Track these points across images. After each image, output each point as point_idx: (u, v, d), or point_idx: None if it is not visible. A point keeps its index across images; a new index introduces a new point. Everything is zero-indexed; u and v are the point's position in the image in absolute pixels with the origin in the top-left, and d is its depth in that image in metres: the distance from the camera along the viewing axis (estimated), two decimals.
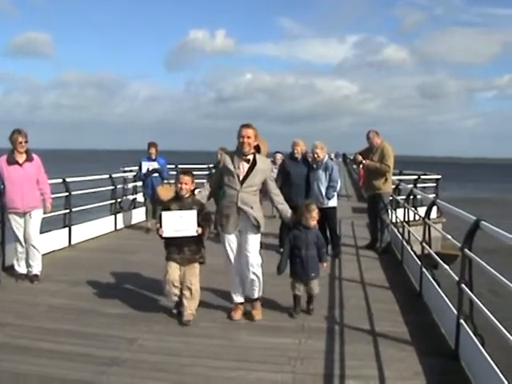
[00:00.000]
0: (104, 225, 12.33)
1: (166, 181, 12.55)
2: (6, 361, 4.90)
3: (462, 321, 5.18)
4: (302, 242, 6.33)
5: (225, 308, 6.58)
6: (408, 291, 7.65)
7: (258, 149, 6.37)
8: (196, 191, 6.47)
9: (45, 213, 8.06)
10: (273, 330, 5.93)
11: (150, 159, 12.53)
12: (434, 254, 7.21)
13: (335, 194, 9.94)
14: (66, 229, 10.55)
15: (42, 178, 7.90)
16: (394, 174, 17.67)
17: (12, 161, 7.58)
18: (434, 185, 18.97)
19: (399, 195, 13.59)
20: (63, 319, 6.10)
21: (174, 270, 6.04)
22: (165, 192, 11.24)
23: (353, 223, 14.04)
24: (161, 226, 5.96)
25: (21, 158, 7.61)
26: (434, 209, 13.92)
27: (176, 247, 6.06)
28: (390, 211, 11.30)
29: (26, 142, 7.58)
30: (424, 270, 7.29)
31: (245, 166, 6.06)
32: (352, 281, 8.09)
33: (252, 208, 6.04)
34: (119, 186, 13.61)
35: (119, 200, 13.45)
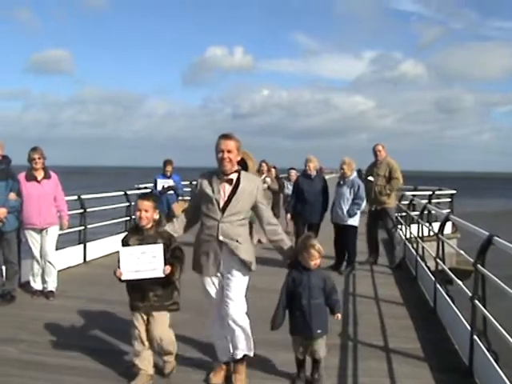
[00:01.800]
0: (119, 242, 12.35)
1: (181, 198, 12.62)
2: (20, 376, 4.95)
3: (475, 337, 5.16)
4: (303, 288, 4.74)
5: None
6: (422, 307, 7.63)
7: (243, 164, 5.52)
8: (167, 224, 5.10)
9: (61, 229, 8.16)
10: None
11: (165, 176, 12.60)
12: (448, 270, 7.19)
13: (358, 212, 9.79)
14: (81, 245, 10.63)
15: (59, 195, 8.02)
16: (409, 190, 17.69)
17: (30, 177, 7.72)
18: (449, 200, 18.90)
19: (413, 211, 13.55)
20: (78, 336, 6.14)
21: (140, 323, 4.84)
22: (180, 209, 11.29)
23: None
24: (119, 266, 4.69)
25: (39, 175, 7.75)
26: (449, 224, 13.86)
27: (139, 293, 4.79)
28: (396, 225, 11.25)
29: (39, 158, 7.69)
30: (438, 285, 7.27)
31: (226, 189, 4.74)
32: (366, 297, 8.08)
33: (238, 242, 4.71)
34: (134, 203, 13.67)
35: (134, 217, 13.50)
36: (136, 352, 4.87)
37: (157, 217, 4.85)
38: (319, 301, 4.76)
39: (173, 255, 4.77)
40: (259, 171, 13.04)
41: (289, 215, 10.65)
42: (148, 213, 4.78)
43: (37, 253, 7.86)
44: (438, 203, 18.02)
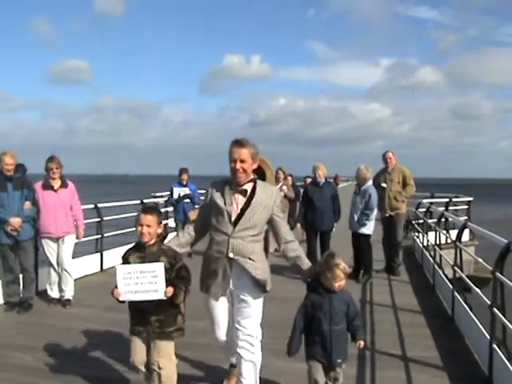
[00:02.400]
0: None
1: (197, 206, 12.63)
2: None
3: (494, 346, 5.10)
4: (323, 313, 4.21)
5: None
6: (440, 315, 7.56)
7: (260, 173, 5.08)
8: (169, 237, 4.80)
9: (77, 238, 8.20)
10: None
11: (181, 185, 12.62)
12: (466, 278, 7.12)
13: (368, 221, 9.74)
14: (98, 254, 10.67)
15: (76, 204, 8.08)
16: (426, 197, 17.59)
17: (47, 186, 7.79)
18: (466, 207, 18.79)
19: (430, 218, 13.46)
20: (95, 345, 6.14)
21: (139, 349, 4.42)
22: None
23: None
24: (116, 286, 4.24)
25: (56, 183, 7.81)
26: (466, 231, 13.75)
27: (140, 316, 4.35)
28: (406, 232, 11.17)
29: (57, 168, 7.75)
30: (456, 293, 7.20)
31: (239, 201, 4.28)
32: (383, 305, 8.01)
33: (251, 260, 4.25)
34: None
35: None
36: (136, 381, 4.59)
37: (160, 232, 4.40)
38: (341, 326, 4.26)
39: (177, 275, 4.28)
40: (276, 179, 13.03)
41: (298, 224, 10.61)
42: (151, 228, 4.29)
43: (53, 261, 7.91)
44: (456, 210, 17.92)
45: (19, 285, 7.60)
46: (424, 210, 13.95)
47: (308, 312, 4.25)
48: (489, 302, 5.27)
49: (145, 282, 4.18)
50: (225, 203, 4.26)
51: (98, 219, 10.74)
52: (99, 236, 10.75)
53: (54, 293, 8.00)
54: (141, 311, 4.31)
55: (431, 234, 11.51)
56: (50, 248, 7.88)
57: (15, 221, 7.23)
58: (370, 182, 10.01)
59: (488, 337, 5.23)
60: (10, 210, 7.27)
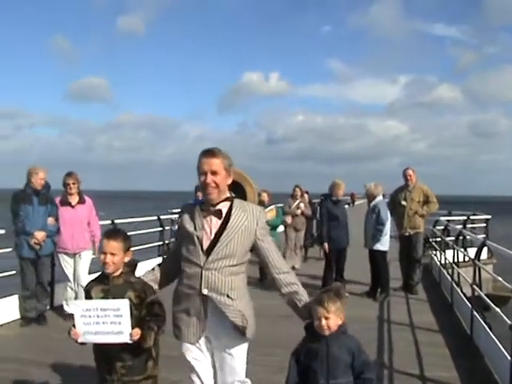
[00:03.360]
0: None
1: None
2: None
3: None
4: (319, 362, 3.33)
5: None
6: (458, 334, 7.46)
7: (238, 190, 4.20)
8: (145, 271, 3.94)
9: (94, 254, 8.23)
10: None
11: (197, 201, 12.62)
12: (485, 297, 7.04)
13: (381, 237, 9.67)
14: None
15: (93, 220, 8.14)
16: (443, 215, 17.48)
17: (65, 202, 7.89)
18: (484, 225, 18.64)
19: (448, 236, 13.36)
20: None
21: None
22: None
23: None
24: (74, 325, 3.57)
25: (73, 199, 7.91)
26: (485, 249, 13.64)
27: (105, 362, 3.71)
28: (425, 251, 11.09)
29: (73, 183, 7.83)
30: (475, 312, 7.11)
31: (213, 224, 3.51)
32: (401, 324, 7.92)
33: (229, 298, 3.46)
34: (167, 228, 13.73)
35: (167, 242, 13.56)
36: None
37: (128, 260, 3.77)
38: (343, 381, 3.29)
39: (149, 312, 3.65)
40: (293, 196, 12.97)
41: (326, 244, 10.08)
42: (115, 256, 3.64)
43: (70, 277, 7.95)
44: (473, 228, 17.77)
45: (37, 300, 7.64)
46: (441, 227, 13.86)
47: (301, 361, 3.41)
48: (509, 322, 5.20)
49: (107, 322, 3.52)
50: (195, 228, 3.52)
51: None
52: None
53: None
54: (105, 356, 3.67)
55: (449, 252, 11.42)
56: (66, 263, 7.93)
57: (40, 234, 7.33)
58: (379, 198, 9.96)
59: (508, 357, 5.15)
60: (35, 223, 7.37)
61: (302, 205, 12.84)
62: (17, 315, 7.75)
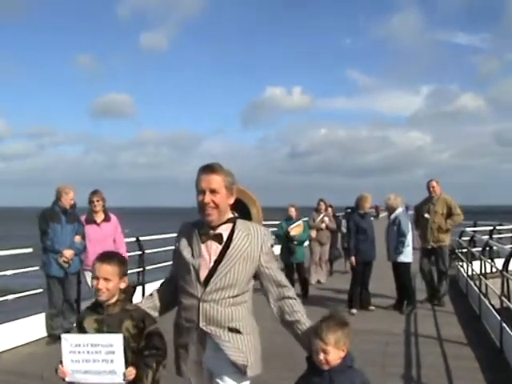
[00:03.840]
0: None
1: None
2: None
3: None
4: None
5: None
6: (488, 347, 7.35)
7: (242, 211, 3.73)
8: (144, 298, 3.54)
9: None
10: None
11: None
12: None
13: (404, 249, 9.63)
14: (140, 287, 10.72)
15: (119, 237, 8.22)
16: (469, 226, 17.30)
17: (90, 220, 7.98)
18: (511, 235, 18.41)
19: (474, 247, 13.22)
20: None
21: None
22: None
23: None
24: (61, 361, 3.16)
25: (98, 217, 8.01)
26: None
27: None
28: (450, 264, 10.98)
29: (98, 201, 7.93)
30: (504, 324, 7.01)
31: (212, 250, 3.13)
32: (428, 337, 7.83)
33: (231, 332, 3.11)
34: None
35: None
36: None
37: (125, 287, 3.33)
38: None
39: (148, 345, 3.23)
40: (318, 210, 12.95)
41: (353, 258, 10.02)
42: (109, 282, 3.21)
43: None
44: (500, 238, 17.54)
45: (63, 317, 7.69)
46: (467, 238, 13.72)
47: None
48: None
49: (98, 360, 3.10)
50: (192, 254, 3.15)
51: (140, 252, 10.81)
52: (141, 269, 10.81)
53: None
54: None
55: (476, 263, 11.29)
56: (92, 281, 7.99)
57: (69, 253, 7.45)
58: (400, 210, 9.98)
59: None
60: (63, 242, 7.48)
61: (326, 219, 12.82)
62: (43, 333, 7.82)
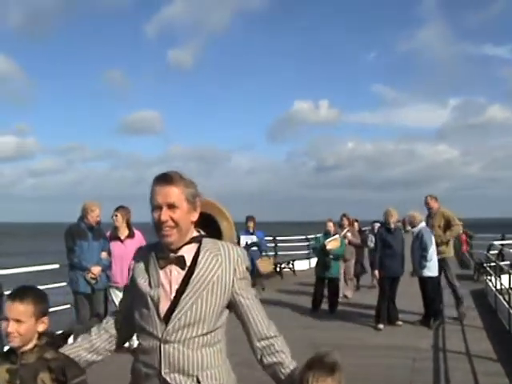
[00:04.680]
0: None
1: (264, 253, 12.63)
2: None
3: None
4: None
5: None
6: None
7: (210, 227, 2.78)
8: (80, 337, 2.81)
9: None
10: None
11: (248, 232, 12.67)
12: None
13: (427, 263, 9.59)
14: None
15: None
16: (497, 239, 17.08)
17: (114, 237, 8.00)
18: None
19: (503, 260, 13.04)
20: None
21: None
22: (265, 265, 11.32)
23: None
24: None
25: (122, 233, 8.02)
26: None
27: None
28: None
29: (116, 215, 7.96)
30: None
31: (173, 277, 2.46)
32: (457, 352, 7.71)
33: (196, 380, 2.41)
34: None
35: None
36: None
37: (43, 330, 2.61)
38: None
39: None
40: (341, 226, 12.87)
41: (376, 271, 10.12)
42: (22, 325, 2.50)
43: None
44: None
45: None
46: (495, 252, 13.55)
47: None
48: None
49: None
50: (149, 283, 2.48)
51: None
52: None
53: None
54: None
55: (504, 277, 11.12)
56: (117, 297, 8.03)
57: (97, 269, 7.51)
58: (422, 224, 10.01)
59: None
60: (90, 258, 7.53)
61: (349, 234, 12.74)
62: None
